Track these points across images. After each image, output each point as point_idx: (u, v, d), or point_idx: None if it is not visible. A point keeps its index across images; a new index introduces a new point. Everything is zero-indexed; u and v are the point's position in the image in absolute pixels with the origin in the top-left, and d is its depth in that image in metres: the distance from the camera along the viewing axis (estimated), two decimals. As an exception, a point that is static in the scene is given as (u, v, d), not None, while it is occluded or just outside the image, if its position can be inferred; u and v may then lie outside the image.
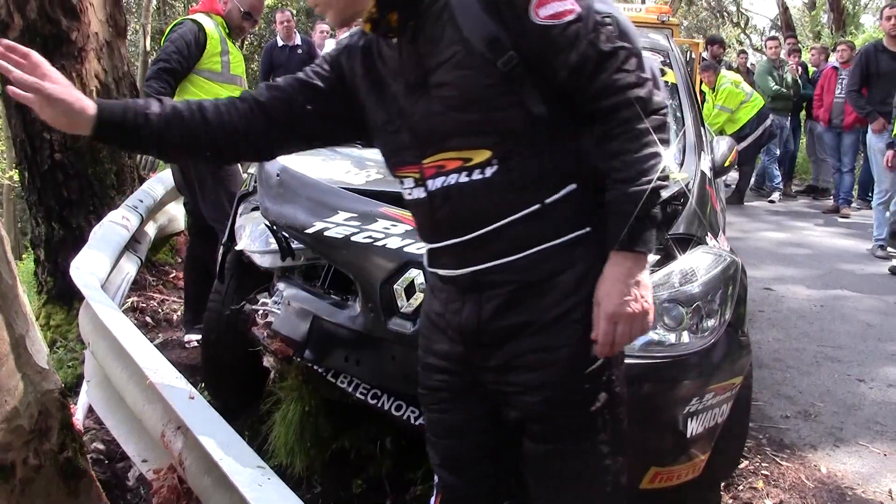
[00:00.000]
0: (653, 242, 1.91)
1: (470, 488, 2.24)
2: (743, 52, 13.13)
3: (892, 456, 3.98)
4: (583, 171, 1.94)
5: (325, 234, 3.07)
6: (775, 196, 12.18)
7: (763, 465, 3.84)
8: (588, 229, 1.95)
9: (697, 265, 3.01)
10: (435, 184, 1.96)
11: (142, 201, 5.37)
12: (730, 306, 3.00)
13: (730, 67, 13.08)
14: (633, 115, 1.83)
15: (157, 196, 5.83)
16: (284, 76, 2.20)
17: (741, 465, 3.78)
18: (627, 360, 2.36)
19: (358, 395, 3.02)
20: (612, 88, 1.82)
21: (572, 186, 1.94)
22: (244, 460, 1.85)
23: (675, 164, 3.79)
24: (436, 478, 2.28)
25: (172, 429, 2.21)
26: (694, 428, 2.86)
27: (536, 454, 2.09)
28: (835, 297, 6.90)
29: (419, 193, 2.02)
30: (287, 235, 3.21)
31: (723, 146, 4.35)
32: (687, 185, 3.41)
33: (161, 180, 6.13)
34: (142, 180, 6.33)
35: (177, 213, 6.86)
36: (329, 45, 10.07)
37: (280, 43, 9.37)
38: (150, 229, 5.94)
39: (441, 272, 2.08)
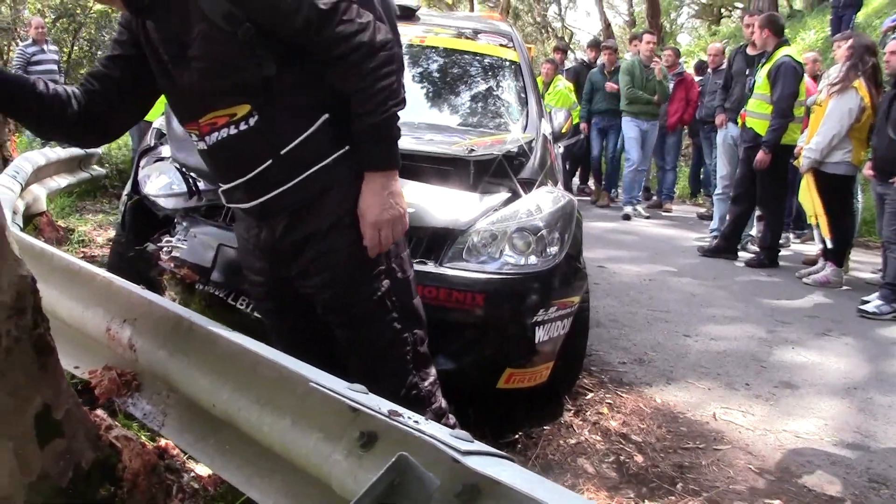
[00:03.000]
0: (396, 157, 2.40)
1: None
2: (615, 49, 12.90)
3: (715, 390, 4.69)
4: (333, 102, 2.35)
5: None
6: (629, 210, 11.55)
7: (606, 396, 4.47)
8: (346, 148, 2.39)
9: (541, 202, 3.74)
10: (212, 138, 2.35)
11: (17, 173, 5.45)
12: (569, 237, 3.73)
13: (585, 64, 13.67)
14: (361, 58, 2.24)
15: (27, 171, 5.89)
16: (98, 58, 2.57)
17: (587, 397, 4.43)
18: (487, 276, 3.36)
19: (255, 314, 3.44)
20: (339, 38, 2.21)
21: (325, 117, 2.36)
22: (206, 322, 2.18)
23: (521, 128, 4.58)
24: None
25: (118, 322, 2.53)
26: (541, 336, 3.57)
27: (343, 339, 2.58)
28: (660, 273, 7.86)
29: (202, 146, 2.41)
30: (194, 177, 3.64)
31: (560, 117, 5.20)
32: (530, 143, 4.12)
33: (28, 159, 6.20)
34: (6, 161, 6.35)
35: (39, 194, 6.91)
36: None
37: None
38: (20, 204, 5.99)
39: (237, 206, 2.57)
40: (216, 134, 2.32)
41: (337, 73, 2.29)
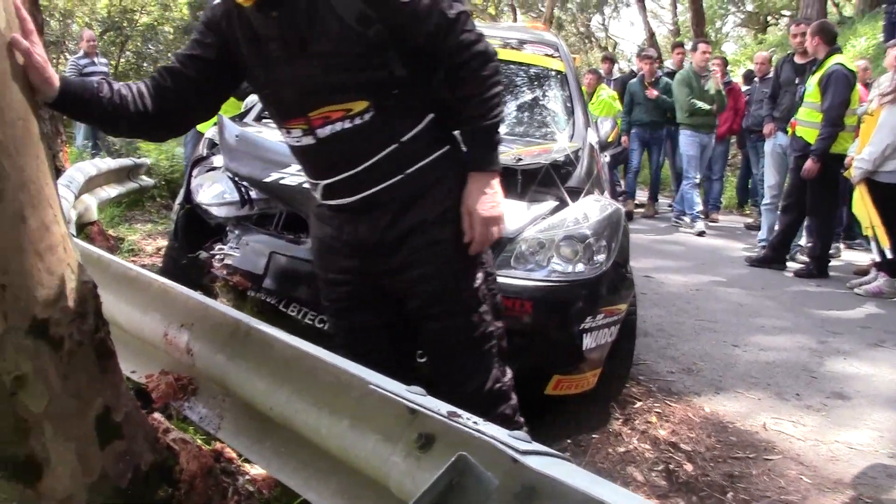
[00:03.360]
0: (499, 160, 2.58)
1: None
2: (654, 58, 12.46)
3: (764, 400, 4.65)
4: (437, 104, 2.56)
5: (281, 182, 3.67)
6: (700, 226, 10.97)
7: (655, 405, 4.45)
8: (448, 147, 2.59)
9: (588, 210, 3.77)
10: (324, 131, 2.44)
11: (71, 182, 5.56)
12: (616, 245, 3.76)
13: (633, 74, 13.31)
14: (479, 65, 2.42)
15: (80, 182, 6.00)
16: (176, 53, 2.63)
17: (635, 406, 4.41)
18: (535, 284, 3.44)
19: (307, 320, 3.59)
20: (462, 46, 2.38)
21: (430, 117, 2.54)
22: (264, 327, 2.22)
23: (568, 137, 4.60)
24: None
25: (176, 327, 2.58)
26: (588, 343, 3.59)
27: (436, 331, 2.69)
28: (708, 283, 7.79)
29: (309, 140, 2.49)
30: (247, 186, 3.81)
31: (606, 126, 5.25)
32: (577, 152, 4.18)
33: (80, 169, 6.32)
34: (59, 172, 6.45)
35: (91, 204, 7.02)
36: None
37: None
38: (73, 214, 6.10)
39: (335, 202, 2.64)
40: (329, 127, 2.43)
41: (456, 78, 2.46)
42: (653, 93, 11.48)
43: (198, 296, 2.65)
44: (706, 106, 10.74)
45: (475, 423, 1.60)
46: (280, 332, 2.31)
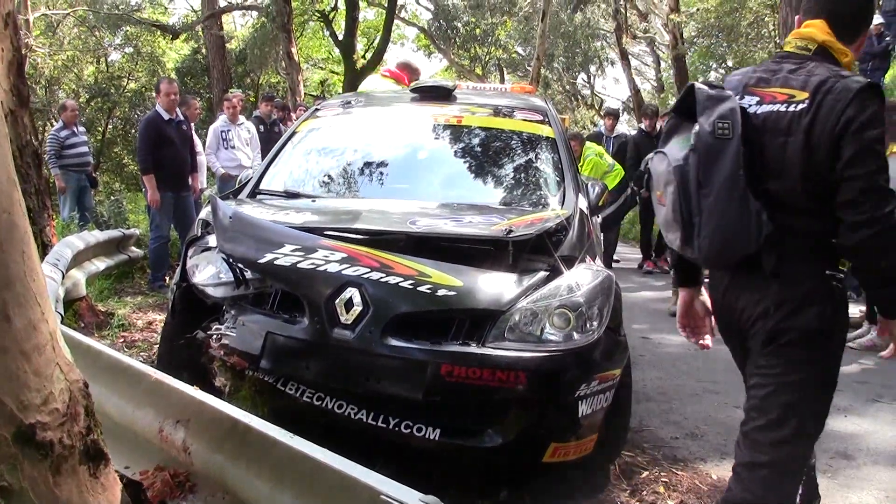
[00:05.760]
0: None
1: None
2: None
3: None
4: None
5: (275, 262, 3.67)
6: None
7: (661, 474, 4.36)
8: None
9: (580, 279, 3.83)
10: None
11: (58, 260, 5.47)
12: (608, 311, 3.80)
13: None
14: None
15: (68, 258, 5.92)
16: None
17: (642, 476, 4.32)
18: (529, 355, 3.51)
19: (304, 398, 3.57)
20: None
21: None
22: (263, 426, 2.12)
23: (559, 203, 4.67)
24: None
25: (171, 423, 2.49)
26: (584, 409, 3.62)
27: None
28: None
29: None
30: (242, 267, 3.79)
31: (596, 189, 5.24)
32: (568, 219, 4.25)
33: (67, 244, 6.24)
34: (45, 247, 6.36)
35: (79, 279, 6.94)
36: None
37: (165, 116, 9.22)
38: (61, 292, 6.00)
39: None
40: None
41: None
42: None
43: (193, 391, 2.57)
44: None
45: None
46: (280, 431, 2.22)
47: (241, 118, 11.42)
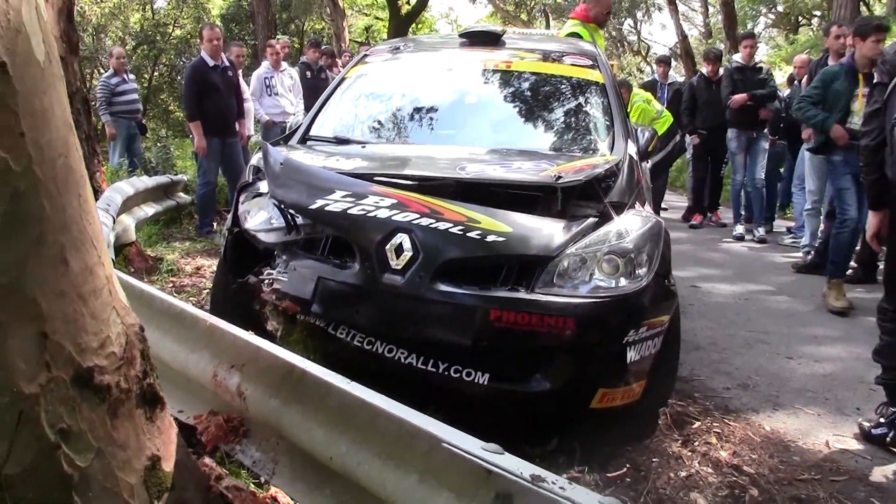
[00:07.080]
0: None
1: None
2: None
3: (825, 416, 4.50)
4: None
5: (326, 208, 3.68)
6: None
7: (714, 425, 4.31)
8: None
9: (629, 225, 3.78)
10: None
11: (109, 205, 5.49)
12: (657, 258, 3.76)
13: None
14: None
15: (118, 203, 5.94)
16: None
17: (693, 426, 4.26)
18: (578, 300, 3.47)
19: (355, 342, 3.57)
20: None
21: None
22: (319, 372, 2.09)
23: (608, 149, 4.63)
24: None
25: (225, 368, 2.48)
26: (632, 355, 3.60)
27: None
28: (755, 292, 7.63)
29: None
30: (293, 213, 3.79)
31: (646, 135, 5.20)
32: (617, 164, 4.17)
33: (117, 190, 6.25)
34: (96, 192, 6.40)
35: (129, 224, 6.97)
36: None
37: (210, 62, 9.15)
38: (111, 237, 6.03)
39: None
40: None
41: None
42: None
43: (248, 336, 2.55)
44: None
45: (561, 487, 1.47)
46: (336, 377, 2.19)
47: (284, 64, 11.33)
